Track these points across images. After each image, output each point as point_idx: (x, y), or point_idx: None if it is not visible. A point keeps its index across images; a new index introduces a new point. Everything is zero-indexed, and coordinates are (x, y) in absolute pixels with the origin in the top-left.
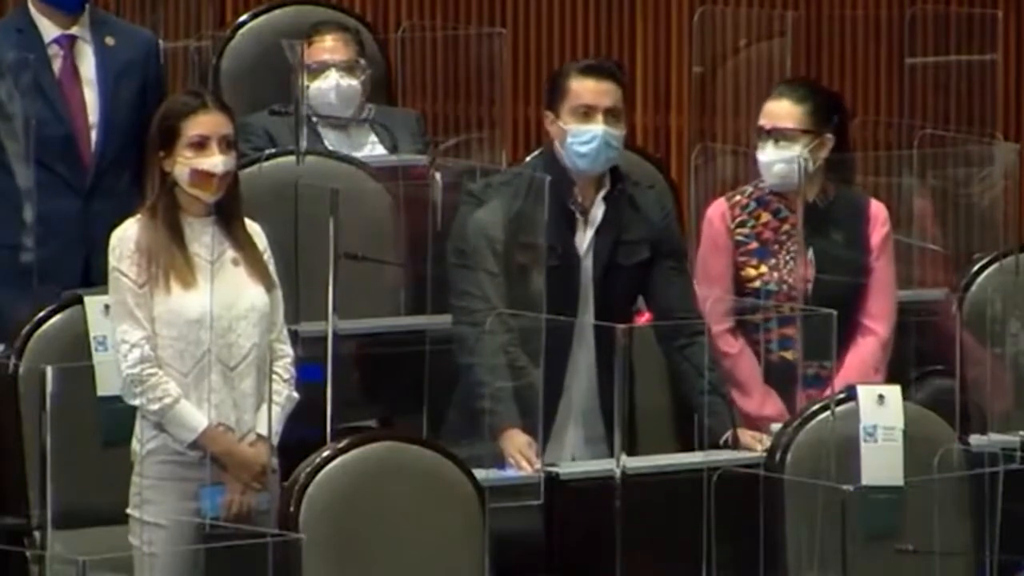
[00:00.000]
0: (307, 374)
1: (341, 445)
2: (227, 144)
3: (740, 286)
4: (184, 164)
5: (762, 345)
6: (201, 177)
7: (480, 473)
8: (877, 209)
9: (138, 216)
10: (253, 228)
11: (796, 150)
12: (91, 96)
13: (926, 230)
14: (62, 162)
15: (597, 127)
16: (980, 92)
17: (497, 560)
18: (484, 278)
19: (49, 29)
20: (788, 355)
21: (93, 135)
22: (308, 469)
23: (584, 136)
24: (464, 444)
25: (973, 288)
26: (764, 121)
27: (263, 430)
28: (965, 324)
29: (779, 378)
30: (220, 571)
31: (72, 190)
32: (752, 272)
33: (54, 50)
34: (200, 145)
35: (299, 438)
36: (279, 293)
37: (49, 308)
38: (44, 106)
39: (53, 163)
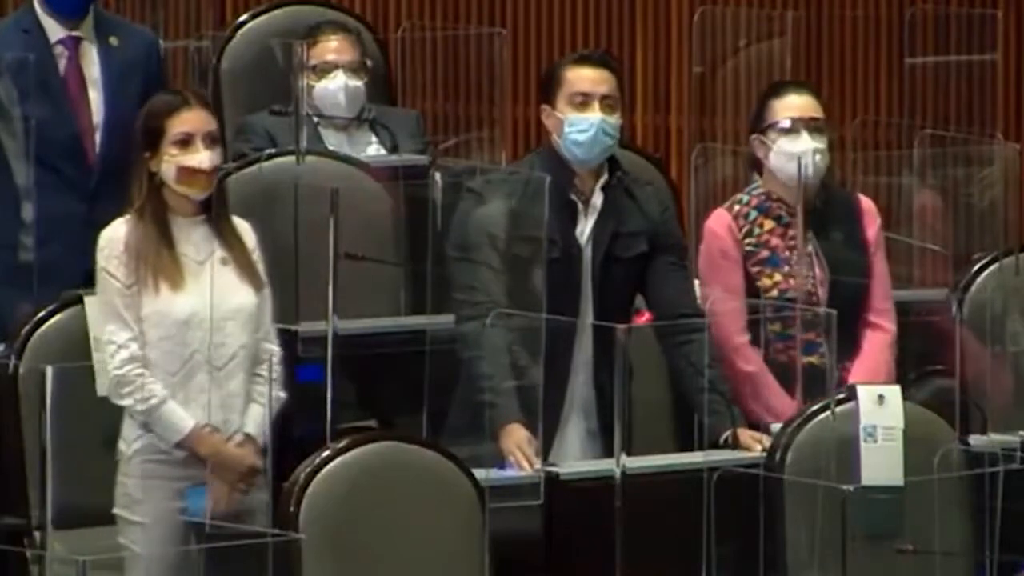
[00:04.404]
0: (307, 374)
1: (341, 445)
2: (212, 140)
3: (757, 297)
4: (170, 162)
5: (798, 351)
6: (188, 174)
7: (480, 473)
8: (868, 205)
9: (127, 216)
10: (242, 226)
11: (825, 142)
12: (96, 97)
13: (927, 226)
14: (67, 163)
15: (594, 115)
16: (980, 92)
17: (497, 560)
18: (486, 273)
19: (55, 30)
20: (814, 360)
21: (98, 136)
22: (308, 469)
23: (581, 124)
24: (464, 444)
25: (973, 288)
26: (792, 113)
27: (250, 430)
28: (965, 323)
29: (808, 384)
30: (219, 571)
31: (77, 191)
32: (768, 282)
33: (59, 51)
34: (185, 142)
35: (299, 438)
36: (268, 292)
37: (49, 308)
38: (49, 107)
39: (58, 164)
